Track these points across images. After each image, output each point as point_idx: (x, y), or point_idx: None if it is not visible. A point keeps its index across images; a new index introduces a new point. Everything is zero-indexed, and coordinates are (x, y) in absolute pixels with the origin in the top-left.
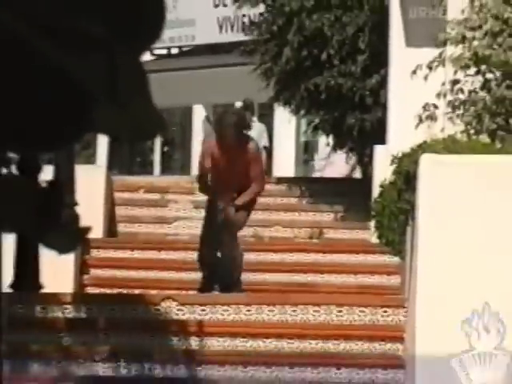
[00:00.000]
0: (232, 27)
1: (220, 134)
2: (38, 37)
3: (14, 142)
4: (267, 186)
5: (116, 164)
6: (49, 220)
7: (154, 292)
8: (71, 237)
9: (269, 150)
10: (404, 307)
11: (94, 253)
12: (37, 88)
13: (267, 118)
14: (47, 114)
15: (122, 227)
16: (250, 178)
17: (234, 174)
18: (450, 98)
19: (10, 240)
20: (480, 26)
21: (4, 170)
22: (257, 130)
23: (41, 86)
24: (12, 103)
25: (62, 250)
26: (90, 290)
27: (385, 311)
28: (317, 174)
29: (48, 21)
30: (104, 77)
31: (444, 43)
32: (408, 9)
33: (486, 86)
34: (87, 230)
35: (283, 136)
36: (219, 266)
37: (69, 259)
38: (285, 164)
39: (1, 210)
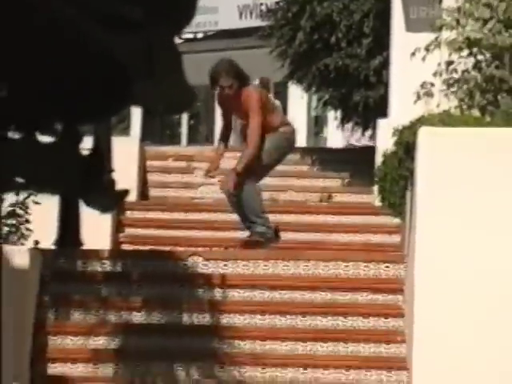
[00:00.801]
0: (251, 14)
1: (213, 82)
2: (86, 20)
3: (67, 114)
4: None
5: (148, 136)
6: (92, 183)
7: (181, 249)
8: (111, 198)
9: None
10: (404, 262)
11: (129, 214)
12: (85, 66)
13: (282, 95)
14: (94, 90)
15: (153, 191)
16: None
17: (245, 117)
18: (445, 76)
19: (54, 201)
20: (472, 13)
21: (52, 139)
22: None
23: (88, 65)
24: (64, 80)
25: (103, 209)
26: (125, 246)
27: (387, 266)
28: None
29: (95, 6)
30: (143, 56)
31: (440, 28)
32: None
33: (477, 66)
34: (126, 192)
35: (296, 111)
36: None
37: (106, 219)
38: (297, 136)
39: (49, 173)
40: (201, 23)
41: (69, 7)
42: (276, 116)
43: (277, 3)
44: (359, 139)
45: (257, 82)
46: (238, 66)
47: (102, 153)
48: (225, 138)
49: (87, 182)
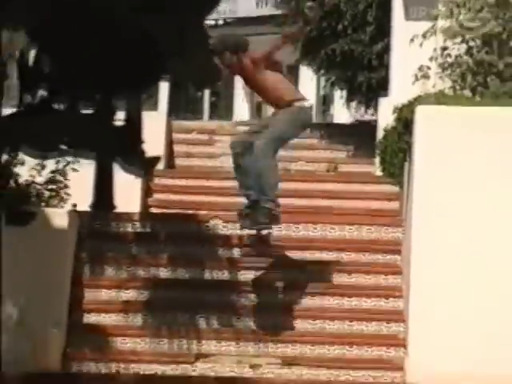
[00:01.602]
0: (266, 3)
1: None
2: (124, 5)
3: (106, 89)
4: None
5: (173, 111)
6: (127, 150)
7: (204, 212)
8: (143, 165)
9: None
10: (402, 226)
11: (157, 181)
12: (122, 46)
13: (293, 77)
14: (129, 66)
15: (179, 161)
16: (276, 90)
17: (263, 93)
18: (440, 61)
19: (90, 168)
20: (464, 4)
21: (91, 112)
22: None
23: (125, 45)
24: (103, 59)
25: (137, 174)
26: (153, 210)
27: (386, 229)
28: None
29: None
30: (175, 37)
31: (436, 17)
32: None
33: (469, 51)
34: (157, 159)
35: (306, 91)
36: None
37: (136, 185)
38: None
39: (89, 141)
40: (221, 11)
41: None
42: (290, 90)
43: None
44: (362, 116)
45: None
46: (228, 39)
47: (135, 125)
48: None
49: (123, 149)
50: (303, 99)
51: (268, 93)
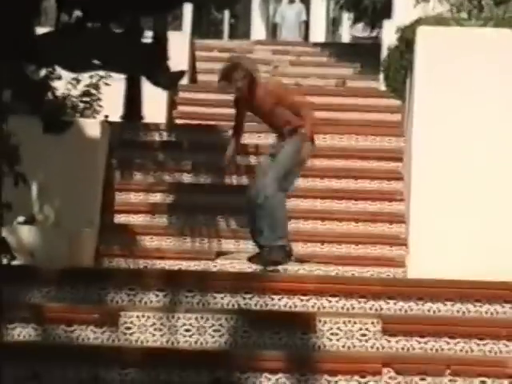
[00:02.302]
0: None
1: (225, 79)
2: None
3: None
4: (306, 48)
5: (196, 31)
6: (155, 65)
7: (223, 123)
8: (169, 78)
9: (306, 23)
10: (403, 136)
11: (181, 94)
12: None
13: (306, 0)
14: None
15: (201, 77)
16: (283, 115)
17: (268, 119)
18: None
19: (121, 83)
20: None
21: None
22: (298, 8)
23: None
24: None
25: (164, 87)
26: (178, 121)
27: (389, 139)
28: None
29: None
30: None
31: None
32: None
33: None
34: (182, 73)
35: (317, 13)
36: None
37: (162, 98)
38: (318, 33)
39: (120, 56)
40: None
41: None
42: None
43: None
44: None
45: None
46: (247, 60)
47: (162, 43)
48: (238, 137)
49: (151, 65)
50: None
51: (275, 118)
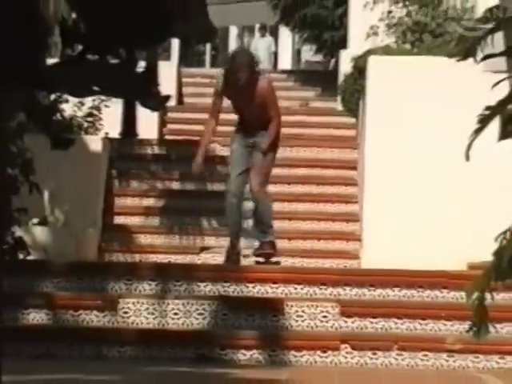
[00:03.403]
0: None
1: (233, 73)
2: None
3: (129, 43)
4: (275, 75)
5: (183, 61)
6: (146, 90)
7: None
8: (158, 102)
9: (275, 53)
10: (357, 148)
11: (170, 114)
12: (142, 9)
13: (274, 34)
14: (148, 26)
15: (186, 99)
16: (267, 113)
17: (252, 112)
18: (386, 21)
19: (118, 105)
20: None
21: (116, 61)
22: (268, 41)
23: (144, 8)
24: (127, 18)
25: (153, 109)
26: (167, 137)
27: (345, 151)
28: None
29: None
30: (181, 5)
31: None
32: None
33: (408, 14)
34: (168, 97)
35: (284, 45)
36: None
37: (154, 118)
38: (285, 61)
39: (117, 84)
40: None
41: None
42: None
43: None
44: (325, 64)
45: (258, 25)
46: (252, 55)
47: (153, 71)
48: (217, 115)
49: (143, 90)
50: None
51: (258, 117)
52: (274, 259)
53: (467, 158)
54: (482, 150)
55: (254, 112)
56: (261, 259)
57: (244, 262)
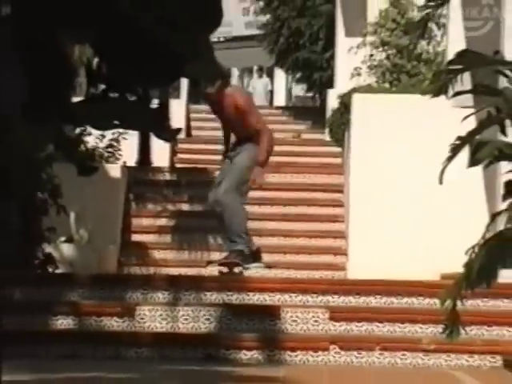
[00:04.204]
0: (252, 26)
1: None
2: (157, 25)
3: (145, 82)
4: (271, 111)
5: (191, 99)
6: (160, 124)
7: (211, 166)
8: (170, 134)
9: (271, 92)
10: (343, 174)
11: (180, 145)
12: (156, 54)
13: (270, 75)
14: (161, 68)
15: (194, 132)
16: (246, 125)
17: (231, 126)
18: (368, 64)
19: (135, 137)
20: (384, 25)
21: (134, 98)
22: (265, 81)
23: (158, 53)
24: (143, 63)
25: (167, 140)
26: (178, 165)
27: (332, 176)
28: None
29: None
30: (191, 48)
31: (365, 35)
32: (346, 15)
33: (387, 57)
34: (179, 130)
35: (279, 84)
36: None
37: (166, 148)
38: (280, 99)
39: (134, 118)
40: (221, 32)
41: (146, 17)
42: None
43: (267, 21)
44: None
45: (255, 67)
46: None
47: (165, 108)
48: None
49: (157, 124)
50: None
51: (236, 123)
52: (238, 269)
53: (440, 181)
54: (454, 175)
55: (233, 126)
56: (224, 269)
57: (206, 270)
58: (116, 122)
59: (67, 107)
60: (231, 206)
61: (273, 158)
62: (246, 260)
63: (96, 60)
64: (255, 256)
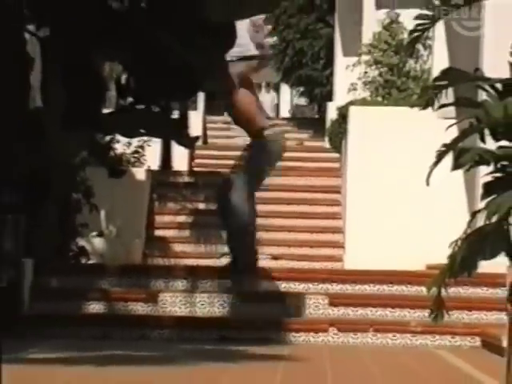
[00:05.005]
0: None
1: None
2: (174, 44)
3: (168, 96)
4: (277, 121)
5: (208, 110)
6: (180, 132)
7: (225, 170)
8: (189, 141)
9: (277, 105)
10: (341, 177)
11: (197, 151)
12: (178, 70)
13: (277, 90)
14: (182, 83)
15: (210, 140)
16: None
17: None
18: (363, 80)
19: (158, 145)
20: (377, 46)
21: (158, 110)
22: (272, 95)
23: (180, 69)
24: (166, 77)
25: (186, 146)
26: (195, 169)
27: (331, 179)
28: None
29: (180, 34)
30: (207, 65)
31: (360, 54)
32: (343, 37)
33: (380, 74)
34: (197, 138)
35: (284, 98)
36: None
37: (185, 154)
38: (285, 111)
39: (158, 127)
40: (234, 51)
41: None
42: (261, 116)
43: (274, 42)
44: (313, 108)
45: (264, 83)
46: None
47: (185, 118)
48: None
49: (178, 132)
50: (269, 126)
51: (240, 115)
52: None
53: (427, 183)
54: (439, 177)
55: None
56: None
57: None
58: (142, 131)
59: (99, 118)
60: (247, 214)
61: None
62: (251, 271)
63: (124, 76)
64: (247, 268)
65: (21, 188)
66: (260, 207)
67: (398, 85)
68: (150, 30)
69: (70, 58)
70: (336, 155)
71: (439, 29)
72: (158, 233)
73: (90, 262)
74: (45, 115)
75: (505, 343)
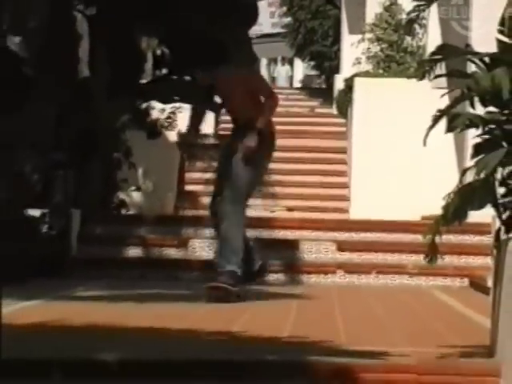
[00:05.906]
0: (277, 25)
1: None
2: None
3: (198, 66)
4: (291, 91)
5: None
6: (209, 99)
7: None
8: (217, 106)
9: (291, 77)
10: (346, 139)
11: (222, 117)
12: (205, 44)
13: (291, 63)
14: (210, 55)
15: None
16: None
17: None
18: (366, 55)
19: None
20: (378, 25)
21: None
22: (287, 68)
23: (210, 45)
24: (196, 51)
25: (214, 111)
26: (220, 132)
27: (338, 140)
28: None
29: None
30: (233, 39)
31: (364, 32)
32: (349, 17)
33: (381, 50)
34: (222, 104)
35: (297, 71)
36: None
37: (211, 118)
38: (298, 81)
39: (190, 94)
40: (254, 30)
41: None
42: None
43: (288, 22)
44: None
45: (280, 57)
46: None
47: (212, 87)
48: None
49: (207, 99)
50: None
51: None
52: (233, 294)
53: (424, 143)
54: (434, 138)
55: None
56: (212, 293)
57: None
58: (176, 98)
59: (138, 86)
60: (236, 216)
61: (292, 127)
62: (237, 282)
63: (160, 49)
64: (255, 274)
65: (70, 147)
66: (276, 165)
67: (396, 59)
68: (183, 8)
69: (113, 34)
70: (343, 120)
71: (433, 10)
72: (188, 188)
73: (129, 212)
74: (91, 84)
75: (490, 283)
